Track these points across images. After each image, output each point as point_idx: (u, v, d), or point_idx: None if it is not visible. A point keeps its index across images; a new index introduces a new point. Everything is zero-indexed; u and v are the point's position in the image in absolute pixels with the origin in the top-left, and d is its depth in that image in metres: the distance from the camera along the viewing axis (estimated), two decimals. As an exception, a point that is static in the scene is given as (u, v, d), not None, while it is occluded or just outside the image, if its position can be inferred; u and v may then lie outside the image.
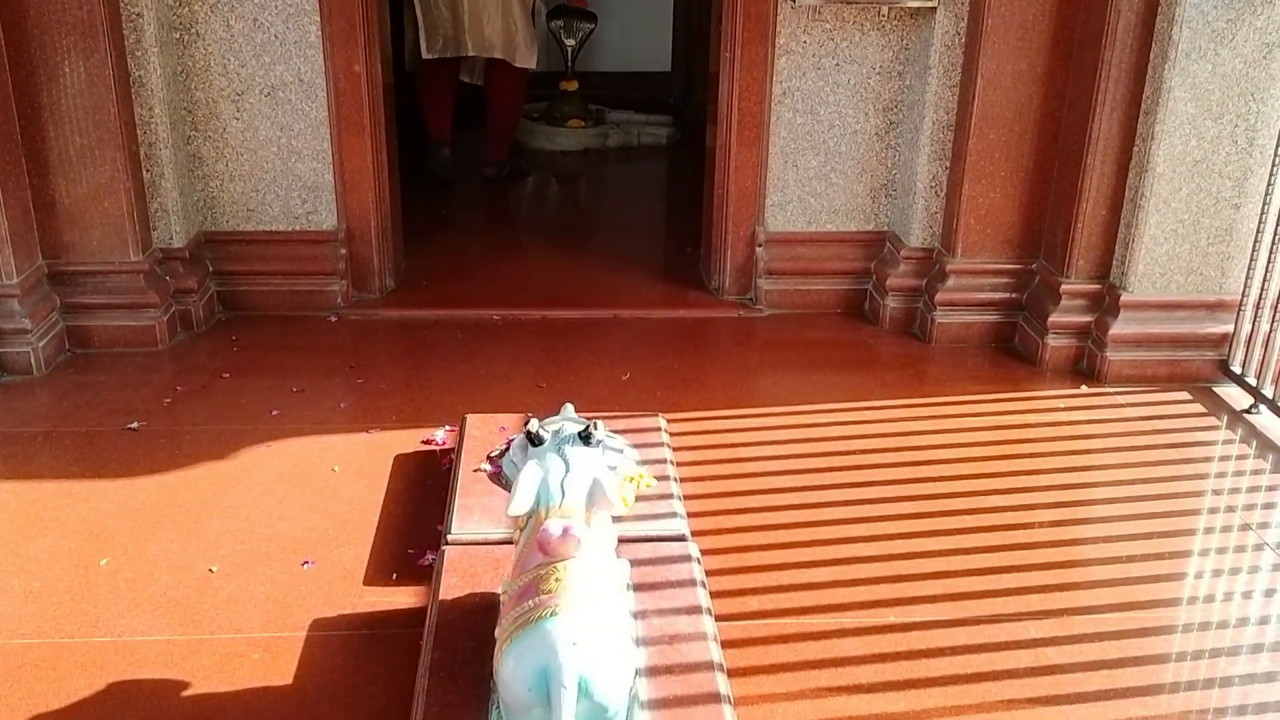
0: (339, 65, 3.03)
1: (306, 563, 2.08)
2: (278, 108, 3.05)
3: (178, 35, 2.97)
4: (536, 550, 1.51)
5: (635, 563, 1.83)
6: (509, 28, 4.24)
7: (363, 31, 3.02)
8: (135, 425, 2.57)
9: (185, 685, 1.76)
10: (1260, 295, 2.69)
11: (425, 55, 4.25)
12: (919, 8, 2.98)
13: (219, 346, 3.02)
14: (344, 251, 3.20)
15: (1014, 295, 3.08)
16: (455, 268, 3.63)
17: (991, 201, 3.01)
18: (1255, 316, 2.72)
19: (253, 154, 3.09)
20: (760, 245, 3.26)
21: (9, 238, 2.71)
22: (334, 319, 3.19)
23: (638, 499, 1.84)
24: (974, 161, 2.96)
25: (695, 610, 1.74)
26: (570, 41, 5.18)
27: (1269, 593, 2.04)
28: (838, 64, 3.09)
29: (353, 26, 3.00)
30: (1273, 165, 2.63)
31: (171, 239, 3.01)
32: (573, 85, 5.18)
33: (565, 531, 1.49)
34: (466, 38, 4.21)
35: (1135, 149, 2.76)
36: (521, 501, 1.54)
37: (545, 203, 4.71)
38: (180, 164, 3.02)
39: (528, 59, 4.43)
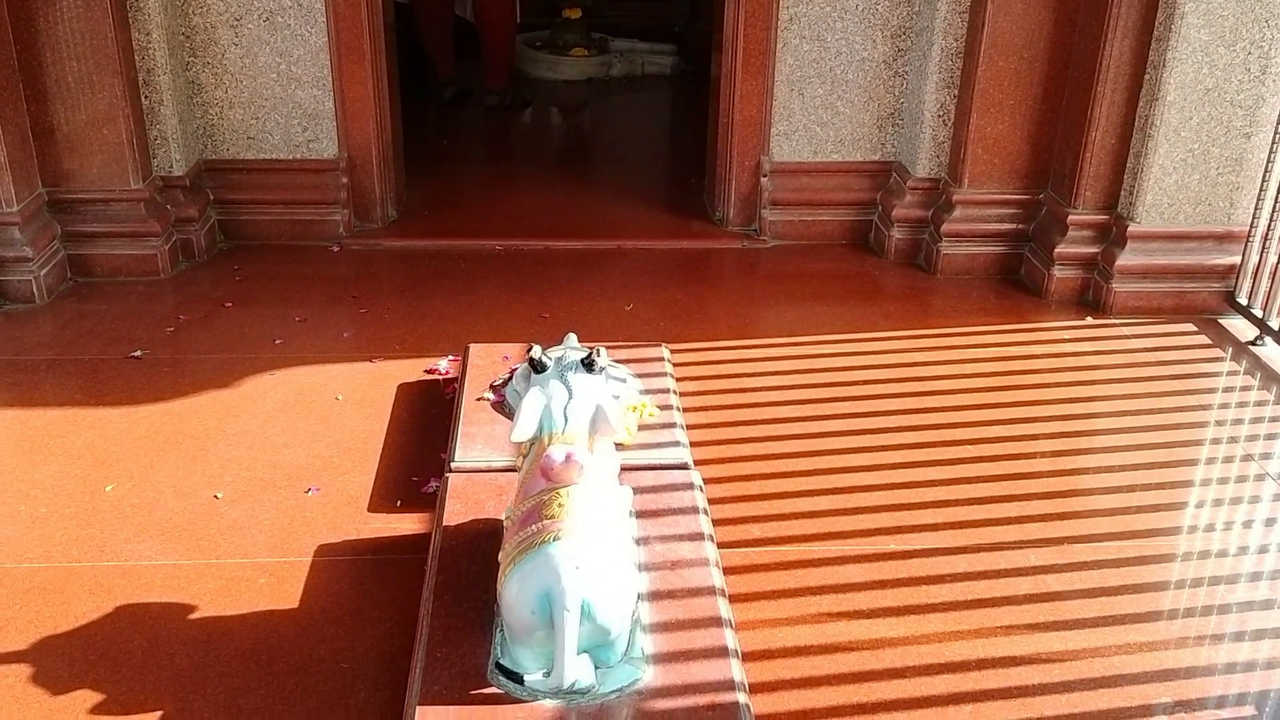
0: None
1: (311, 489, 2.09)
2: (276, 33, 3.01)
3: (174, -42, 2.92)
4: (539, 476, 1.51)
5: (638, 490, 1.83)
6: None
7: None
8: (139, 354, 2.56)
9: (192, 609, 1.78)
10: (1269, 227, 2.66)
11: None
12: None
13: (221, 275, 3.00)
14: (345, 180, 3.17)
15: (1020, 226, 3.05)
16: (457, 198, 3.60)
17: (999, 131, 2.97)
18: (1263, 248, 2.69)
19: (252, 80, 3.05)
20: (765, 175, 3.23)
21: (8, 165, 2.69)
22: (336, 248, 3.17)
23: (641, 428, 1.85)
24: (982, 90, 2.92)
25: (697, 537, 1.75)
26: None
27: (1269, 522, 2.05)
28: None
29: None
30: (1286, 93, 2.59)
31: (172, 167, 2.99)
32: (576, 13, 5.10)
33: (568, 457, 1.49)
34: None
35: (1146, 77, 2.71)
36: (524, 428, 1.54)
37: (548, 133, 4.66)
38: (179, 91, 2.98)
39: None
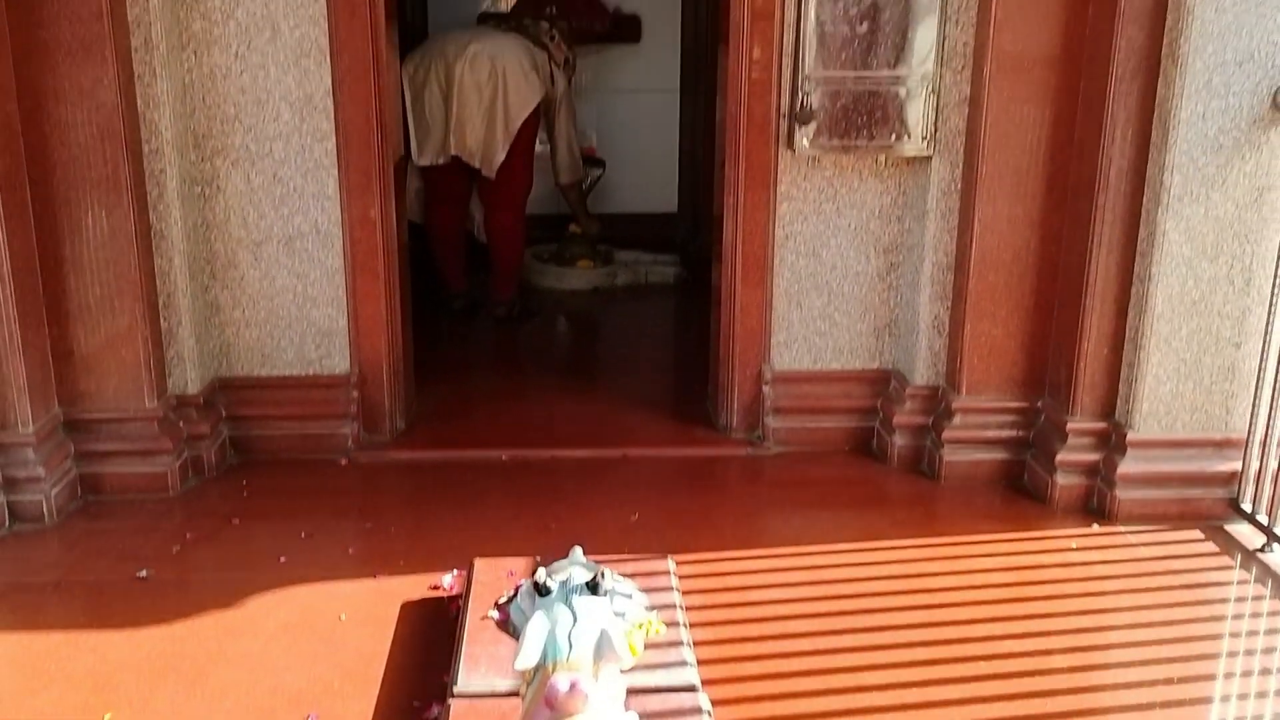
0: (355, 214, 3.11)
1: (311, 716, 2.04)
2: (295, 256, 3.13)
3: (199, 189, 3.06)
4: (544, 706, 1.49)
5: (645, 715, 1.79)
6: (490, 140, 4.35)
7: (378, 182, 3.11)
8: (144, 574, 2.56)
9: None
10: (1266, 433, 2.69)
11: (418, 162, 4.40)
12: (915, 156, 3.07)
13: (230, 491, 3.03)
14: (355, 394, 3.24)
15: (1021, 433, 3.09)
16: (465, 407, 3.66)
17: (994, 340, 3.04)
18: (1263, 454, 2.71)
19: (269, 301, 3.16)
20: (767, 383, 3.29)
21: (27, 387, 2.75)
22: (344, 462, 3.20)
23: (647, 646, 1.82)
24: (975, 302, 3.01)
25: (706, 766, 1.70)
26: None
27: (1294, 741, 1.98)
28: (838, 209, 3.17)
29: (368, 178, 3.09)
30: (1270, 304, 2.66)
31: (187, 385, 3.06)
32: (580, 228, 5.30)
33: (573, 687, 1.47)
34: (451, 139, 4.35)
35: (1133, 289, 2.80)
36: (528, 655, 1.53)
37: (554, 341, 4.77)
38: (198, 312, 3.08)
39: (564, 172, 4.77)
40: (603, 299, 5.14)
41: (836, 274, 3.23)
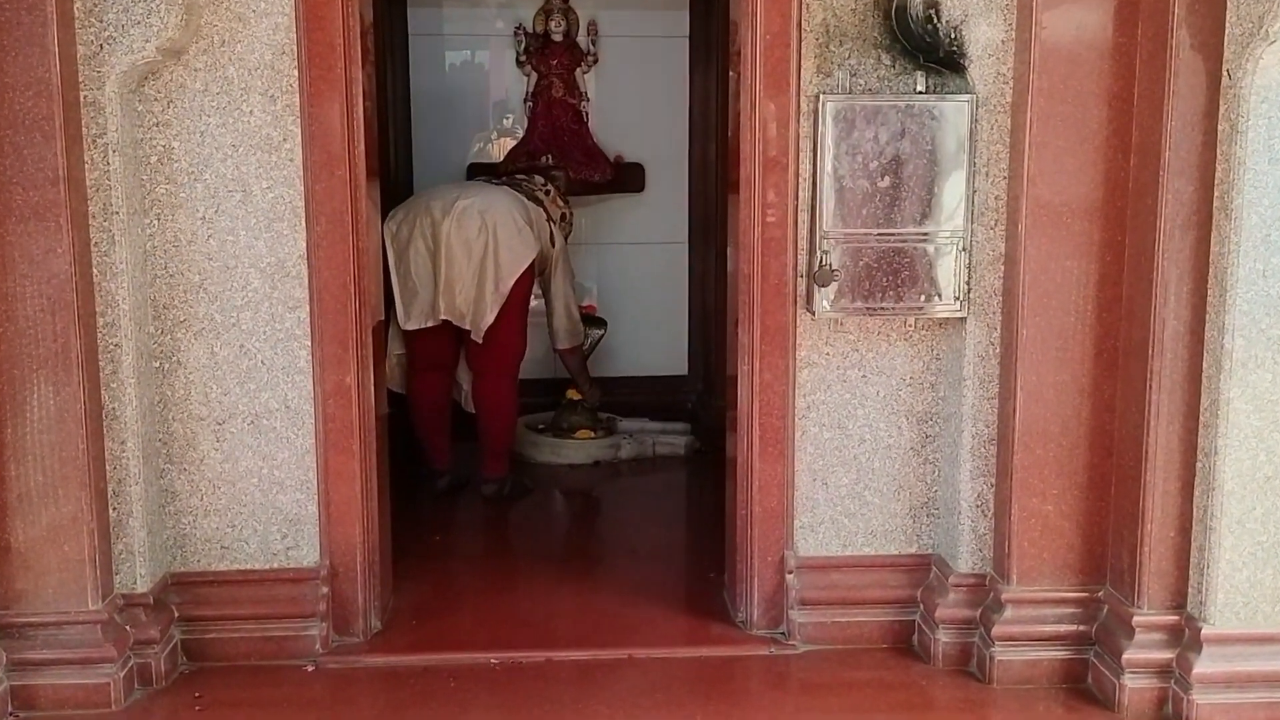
0: (329, 387, 3.14)
1: None
2: (261, 435, 3.15)
3: (157, 364, 3.11)
4: None
5: None
6: (480, 300, 4.43)
7: (355, 351, 3.15)
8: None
9: None
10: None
11: (404, 326, 4.47)
12: (948, 318, 3.11)
13: (179, 704, 2.96)
14: (325, 590, 3.21)
15: (1082, 627, 3.04)
16: (450, 603, 3.62)
17: (1046, 520, 3.02)
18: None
19: (231, 486, 3.17)
20: (791, 572, 3.26)
21: (-46, 590, 2.74)
22: (311, 668, 3.15)
23: None
24: (1022, 478, 3.00)
25: None
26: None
27: None
28: (864, 375, 3.20)
29: (344, 347, 3.13)
30: (1354, 479, 2.66)
31: (136, 583, 3.03)
32: (580, 394, 5.33)
33: None
34: (440, 303, 4.43)
35: (1199, 464, 2.80)
36: None
37: (550, 523, 4.74)
38: (151, 500, 3.08)
39: (563, 336, 4.90)
40: (605, 474, 5.14)
41: (866, 447, 3.24)
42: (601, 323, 5.45)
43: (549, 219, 4.70)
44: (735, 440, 3.33)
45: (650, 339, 5.96)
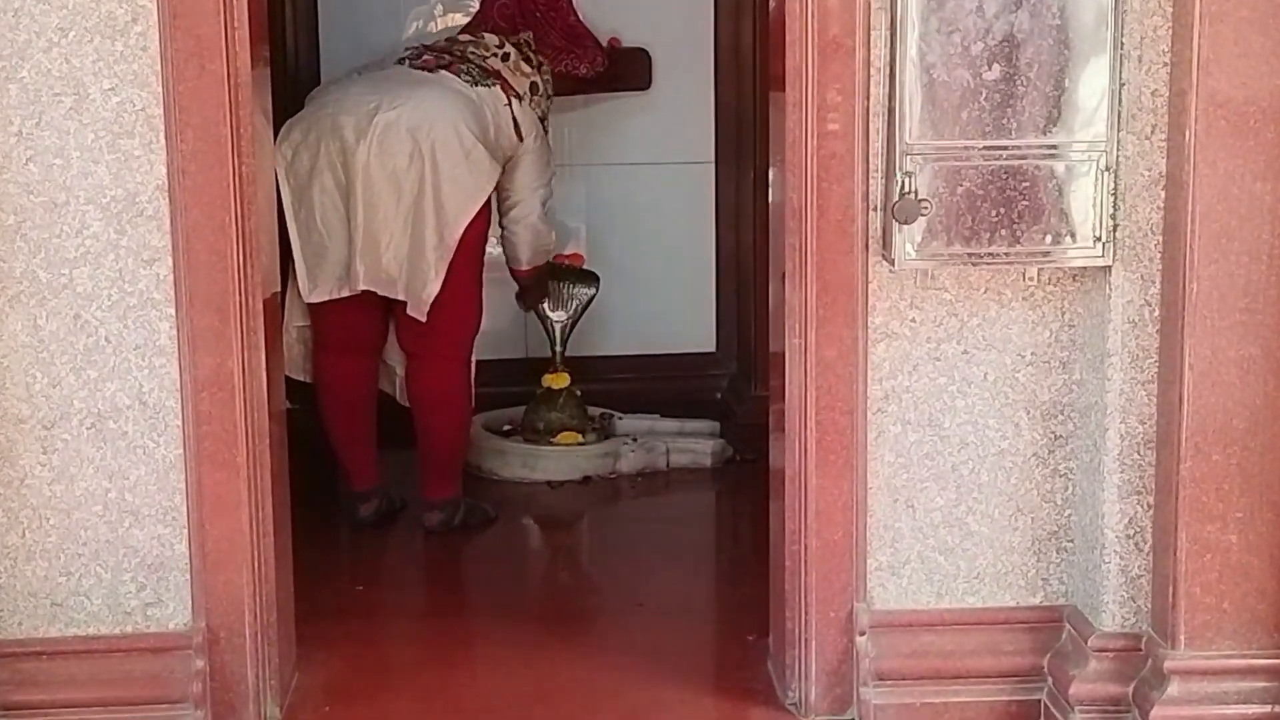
0: (202, 375, 3.14)
1: None
2: (107, 445, 3.16)
3: (-47, 343, 3.11)
4: None
5: None
6: (418, 261, 4.40)
7: (239, 323, 3.15)
8: None
9: None
10: None
11: (308, 297, 4.47)
12: (1084, 267, 3.12)
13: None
14: (201, 664, 3.21)
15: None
16: (378, 679, 3.63)
17: (1226, 555, 3.02)
18: None
19: (64, 517, 3.17)
20: (864, 633, 3.27)
21: None
22: (179, 779, 3.19)
23: None
24: (1192, 495, 3.00)
25: None
26: (558, 315, 5.38)
27: None
28: (965, 351, 3.20)
29: (224, 319, 3.13)
30: None
31: (-74, 657, 3.06)
32: (563, 380, 5.34)
33: None
34: (359, 265, 4.39)
35: None
36: None
37: (522, 567, 4.76)
38: (-49, 540, 3.10)
39: (526, 250, 4.86)
40: (599, 495, 5.15)
41: (969, 454, 3.24)
42: (591, 279, 5.43)
43: (511, 98, 4.65)
44: (783, 445, 3.34)
45: (662, 302, 5.95)
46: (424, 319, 4.46)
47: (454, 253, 4.43)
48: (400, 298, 4.46)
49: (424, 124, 4.42)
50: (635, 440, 5.35)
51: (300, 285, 4.46)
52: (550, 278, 5.25)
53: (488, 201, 4.53)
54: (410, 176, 4.39)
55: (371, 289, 4.44)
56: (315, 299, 4.49)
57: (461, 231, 4.44)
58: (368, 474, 4.76)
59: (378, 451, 4.78)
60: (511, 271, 5.00)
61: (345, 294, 4.47)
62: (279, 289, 3.67)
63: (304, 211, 4.43)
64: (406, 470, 4.79)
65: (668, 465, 5.31)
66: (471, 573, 4.58)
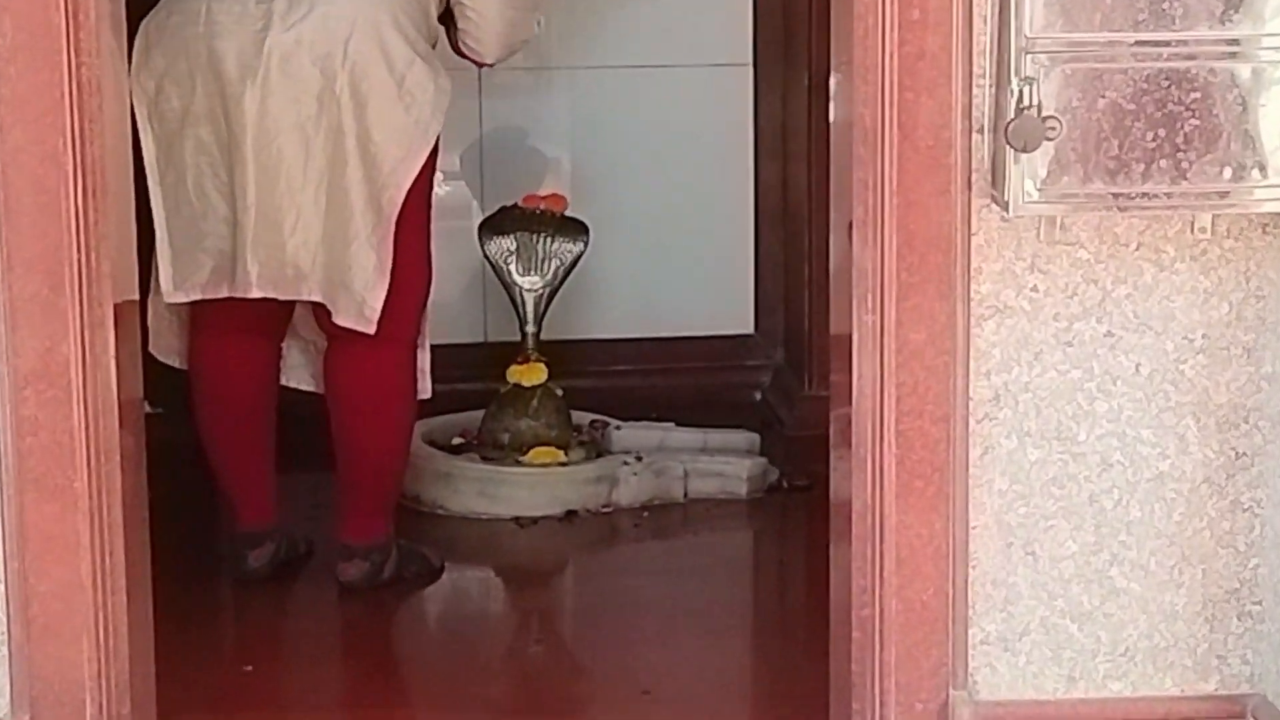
0: (26, 367, 3.14)
1: None
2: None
3: None
4: None
5: None
6: (342, 241, 4.35)
7: (77, 295, 3.15)
8: None
9: None
10: None
11: (170, 297, 4.42)
12: (1275, 213, 3.11)
13: None
14: (21, 769, 3.23)
15: None
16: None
17: None
18: None
19: None
20: (963, 734, 3.27)
21: None
22: None
23: None
24: None
25: None
26: (530, 282, 5.39)
27: None
28: (1109, 332, 3.18)
29: (57, 289, 3.12)
30: None
31: None
32: (537, 374, 5.34)
33: None
34: (250, 260, 4.32)
35: None
36: None
37: (478, 639, 4.75)
38: None
39: (491, 41, 4.63)
40: (587, 538, 5.16)
41: (1113, 479, 3.22)
42: (576, 230, 5.43)
43: None
44: (849, 466, 3.32)
45: (678, 264, 5.98)
46: (371, 329, 4.39)
47: (399, 206, 4.37)
48: (316, 300, 4.43)
49: (335, 44, 4.31)
50: (640, 459, 5.35)
51: (160, 278, 4.40)
52: (520, 228, 5.25)
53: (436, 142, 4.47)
54: (322, 126, 4.33)
55: (270, 294, 4.39)
56: (179, 299, 4.47)
57: (406, 192, 4.38)
58: (261, 507, 4.74)
59: (276, 475, 4.78)
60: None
61: (224, 293, 4.41)
62: (134, 241, 3.65)
63: (172, 174, 4.37)
64: (316, 501, 4.79)
65: (686, 495, 5.31)
66: (407, 647, 4.58)
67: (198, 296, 4.44)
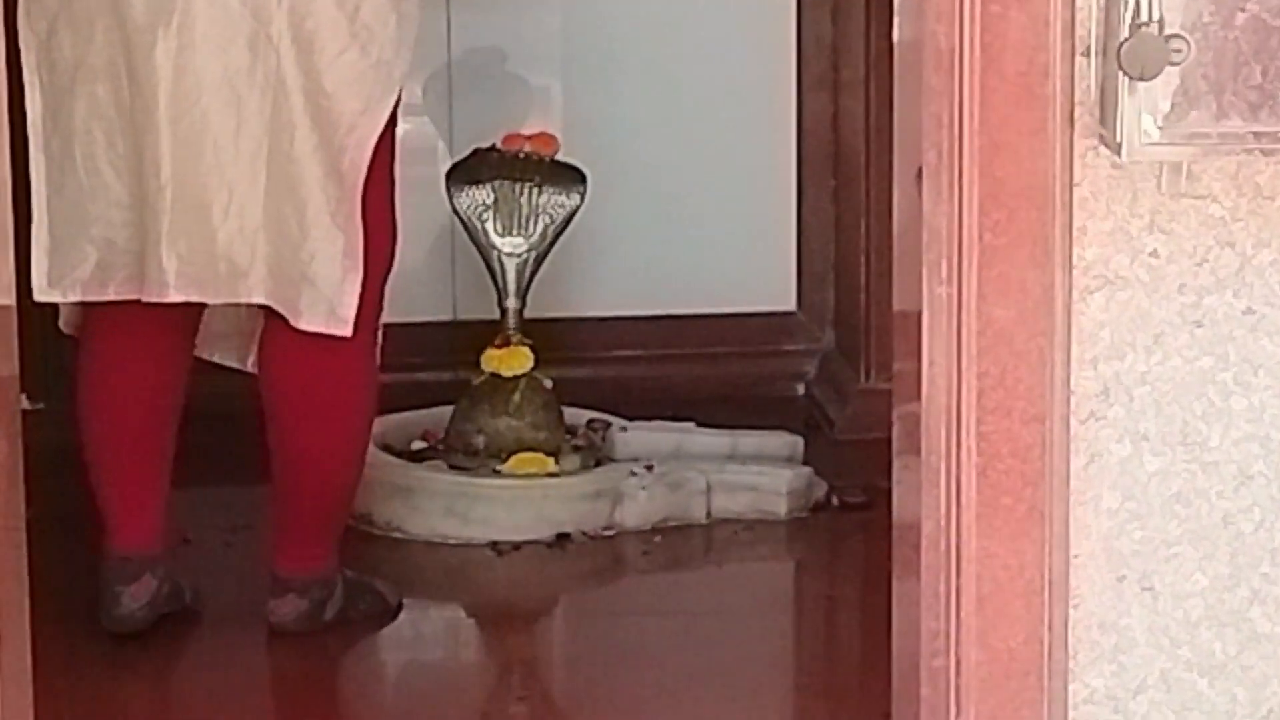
0: None
1: None
2: None
3: None
4: None
5: None
6: (293, 224, 4.33)
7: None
8: None
9: None
10: None
11: (41, 295, 4.36)
12: None
13: None
14: None
15: None
16: None
17: None
18: None
19: None
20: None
21: None
22: None
23: None
24: None
25: None
26: (512, 244, 5.40)
27: None
28: (1249, 309, 3.18)
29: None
30: None
31: None
32: (519, 360, 5.36)
33: None
34: (162, 249, 4.28)
35: None
36: None
37: (446, 698, 4.78)
38: None
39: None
40: (584, 570, 5.18)
41: (1253, 495, 3.22)
42: (569, 179, 5.46)
43: None
44: (917, 479, 3.33)
45: (701, 223, 6.01)
46: (348, 330, 4.37)
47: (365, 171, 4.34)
48: (254, 300, 4.41)
49: None
50: (650, 469, 5.37)
51: (33, 270, 4.29)
52: (498, 176, 5.27)
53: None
54: (258, 80, 4.29)
55: (194, 297, 4.37)
56: (53, 298, 4.46)
57: (371, 152, 4.36)
58: (144, 526, 4.68)
59: (169, 489, 4.76)
60: None
61: (114, 297, 4.40)
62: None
63: (58, 141, 4.35)
64: (235, 520, 4.80)
65: (709, 515, 5.33)
66: (356, 708, 4.60)
67: (76, 297, 4.44)
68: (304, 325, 4.33)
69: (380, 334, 4.69)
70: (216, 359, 4.79)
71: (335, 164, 4.33)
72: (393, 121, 4.48)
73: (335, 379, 4.64)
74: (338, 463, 4.73)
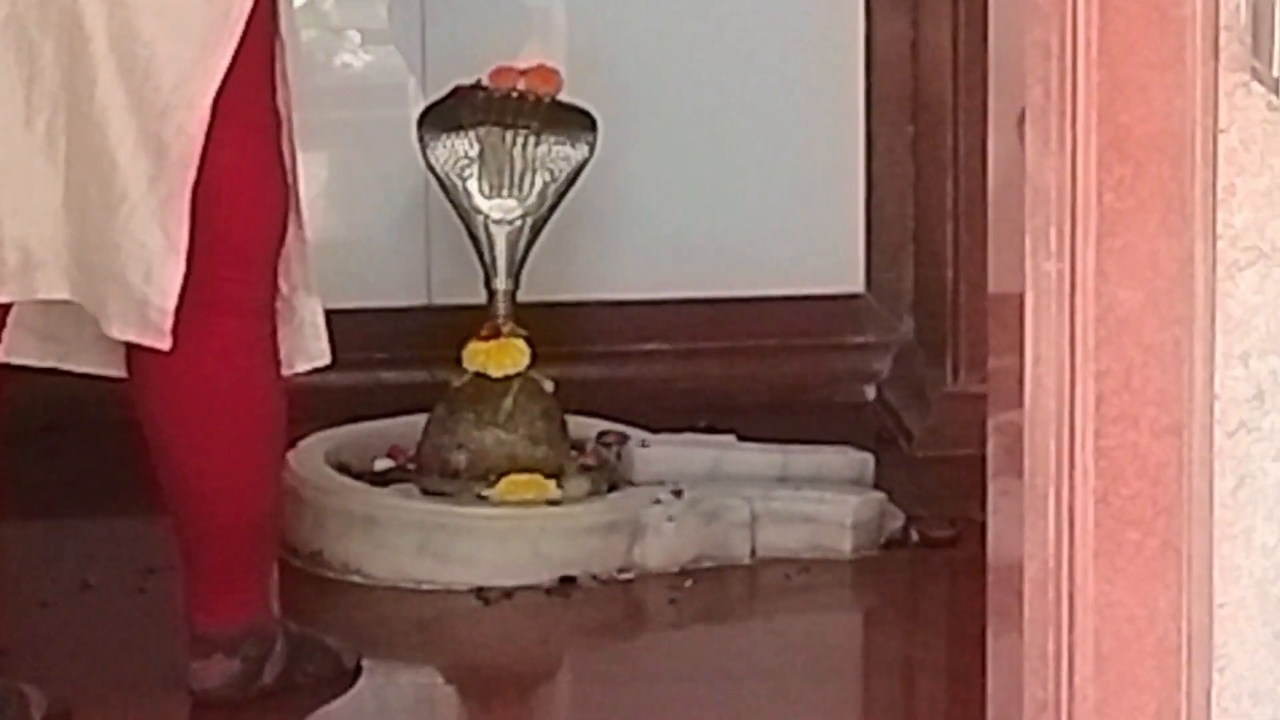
0: None
1: None
2: None
3: None
4: None
5: None
6: (99, 209, 4.30)
7: None
8: None
9: None
10: None
11: None
12: None
13: None
14: None
15: None
16: None
17: None
18: None
19: None
20: None
21: None
22: None
23: None
24: None
25: None
26: (503, 208, 5.39)
27: None
28: None
29: None
30: None
31: None
32: (513, 354, 5.37)
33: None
34: None
35: None
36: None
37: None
38: None
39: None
40: (595, 623, 5.20)
41: None
42: (577, 125, 5.47)
43: None
44: (1019, 507, 3.33)
45: (742, 184, 6.03)
46: (164, 342, 4.29)
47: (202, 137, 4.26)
48: (67, 296, 4.40)
49: None
50: (679, 495, 5.37)
51: None
52: (485, 121, 5.28)
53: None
54: (51, 23, 4.26)
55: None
56: None
57: (208, 111, 4.29)
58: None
59: None
60: None
61: None
62: None
63: None
64: (142, 555, 4.83)
65: (753, 553, 5.34)
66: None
67: None
68: (115, 333, 4.33)
69: (311, 297, 4.66)
70: (83, 368, 4.72)
71: (153, 128, 4.28)
72: (265, 37, 4.39)
73: (222, 382, 4.60)
74: (240, 485, 4.71)
